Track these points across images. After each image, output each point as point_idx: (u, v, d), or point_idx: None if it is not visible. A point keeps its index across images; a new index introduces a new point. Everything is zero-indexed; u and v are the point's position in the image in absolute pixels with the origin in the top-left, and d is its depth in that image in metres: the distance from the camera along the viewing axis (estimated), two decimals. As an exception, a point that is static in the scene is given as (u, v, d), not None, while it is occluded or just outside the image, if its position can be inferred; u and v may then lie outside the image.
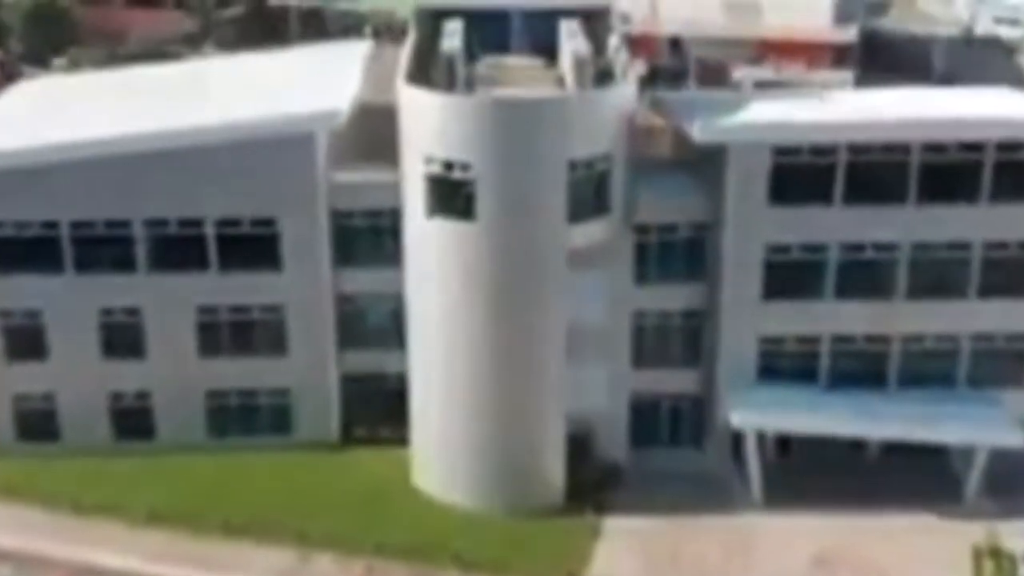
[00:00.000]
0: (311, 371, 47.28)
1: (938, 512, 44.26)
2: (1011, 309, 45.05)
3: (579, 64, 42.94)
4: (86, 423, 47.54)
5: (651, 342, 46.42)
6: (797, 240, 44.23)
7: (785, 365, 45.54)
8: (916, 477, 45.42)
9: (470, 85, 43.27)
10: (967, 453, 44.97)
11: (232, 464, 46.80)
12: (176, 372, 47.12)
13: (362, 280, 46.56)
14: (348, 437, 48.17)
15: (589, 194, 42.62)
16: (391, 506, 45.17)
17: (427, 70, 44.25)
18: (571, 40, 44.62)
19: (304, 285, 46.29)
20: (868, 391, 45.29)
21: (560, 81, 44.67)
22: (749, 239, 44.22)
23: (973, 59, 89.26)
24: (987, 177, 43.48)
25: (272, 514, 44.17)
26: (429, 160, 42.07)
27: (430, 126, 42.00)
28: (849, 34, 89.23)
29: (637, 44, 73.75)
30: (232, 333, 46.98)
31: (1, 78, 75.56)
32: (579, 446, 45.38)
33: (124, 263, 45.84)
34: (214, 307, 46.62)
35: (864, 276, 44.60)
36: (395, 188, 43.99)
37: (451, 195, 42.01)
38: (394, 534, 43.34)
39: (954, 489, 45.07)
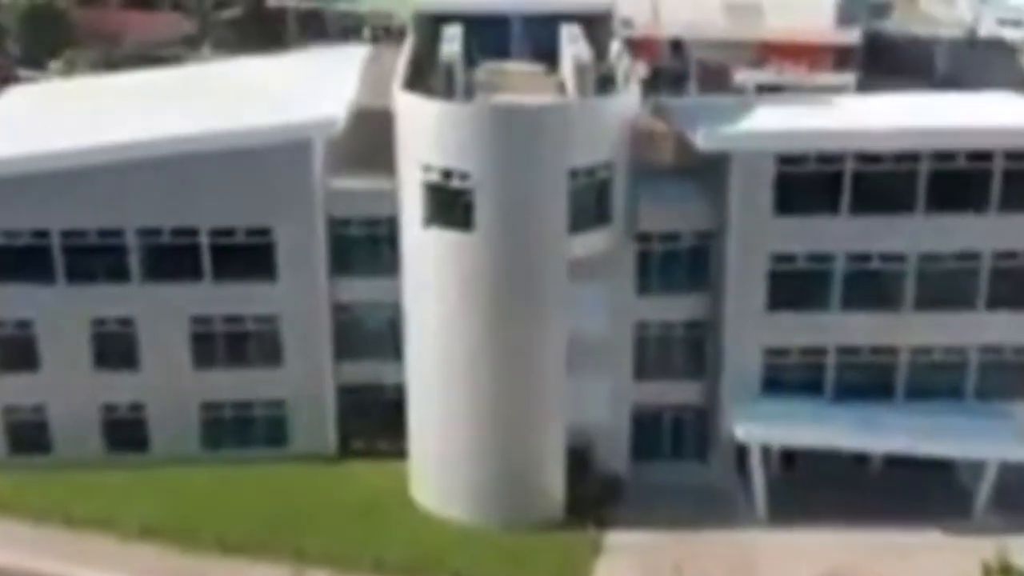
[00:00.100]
0: (307, 382, 46.67)
1: (946, 528, 43.63)
2: (1020, 321, 44.41)
3: (580, 70, 42.27)
4: (78, 435, 46.95)
5: (653, 353, 45.78)
6: (802, 250, 43.62)
7: (790, 377, 44.95)
8: (923, 491, 44.87)
9: (469, 91, 42.64)
10: (975, 467, 44.30)
11: (227, 477, 46.20)
12: (170, 383, 46.52)
13: (359, 289, 45.95)
14: (345, 449, 47.55)
15: (590, 203, 41.96)
16: (389, 520, 44.55)
17: (425, 76, 43.70)
18: (572, 45, 44.00)
19: (300, 295, 45.67)
20: (875, 404, 44.66)
21: (561, 87, 44.03)
22: (753, 249, 43.59)
23: (976, 61, 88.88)
24: (996, 186, 42.91)
25: (267, 528, 43.57)
26: (427, 168, 41.36)
27: (428, 134, 41.30)
28: (852, 36, 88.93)
29: (638, 46, 73.28)
30: (227, 344, 46.40)
31: (-3, 80, 74.81)
32: (580, 459, 44.80)
33: (117, 273, 45.28)
34: (208, 317, 46.03)
35: (871, 287, 44.00)
36: (393, 196, 43.33)
37: (449, 204, 41.32)
38: (392, 550, 42.67)
39: (962, 504, 44.41)
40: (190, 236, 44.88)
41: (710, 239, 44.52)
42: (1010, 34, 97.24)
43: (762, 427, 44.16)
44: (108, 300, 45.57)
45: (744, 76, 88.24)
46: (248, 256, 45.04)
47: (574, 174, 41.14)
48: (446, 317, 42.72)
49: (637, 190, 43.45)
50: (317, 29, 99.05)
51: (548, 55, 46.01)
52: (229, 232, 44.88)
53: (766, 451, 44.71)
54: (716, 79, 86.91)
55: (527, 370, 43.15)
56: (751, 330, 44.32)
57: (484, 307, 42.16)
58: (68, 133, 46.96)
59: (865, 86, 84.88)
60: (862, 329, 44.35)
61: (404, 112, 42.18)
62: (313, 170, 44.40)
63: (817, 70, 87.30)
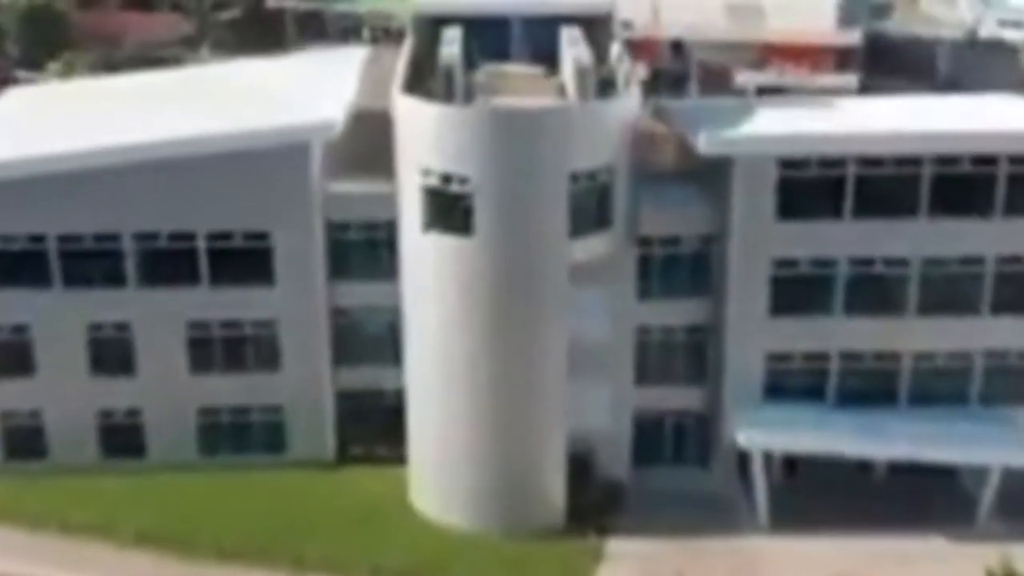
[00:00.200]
0: (305, 387, 46.31)
1: (950, 535, 43.29)
2: (1025, 325, 44.08)
3: (581, 73, 41.93)
4: (74, 441, 46.64)
5: (654, 359, 45.46)
6: (805, 254, 43.32)
7: (793, 383, 44.62)
8: (927, 498, 44.53)
9: (469, 94, 42.29)
10: (979, 473, 43.95)
11: (224, 483, 45.87)
12: (167, 389, 46.21)
13: (358, 294, 45.63)
14: (343, 455, 47.22)
15: (591, 207, 41.63)
16: (388, 527, 44.20)
17: (424, 79, 43.38)
18: (572, 48, 43.62)
19: (298, 299, 45.36)
20: (878, 410, 44.32)
21: (561, 90, 43.71)
22: (756, 253, 43.25)
23: (978, 62, 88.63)
24: (1000, 190, 42.58)
25: (265, 535, 43.24)
26: (426, 172, 41.00)
27: (427, 137, 40.95)
28: (853, 37, 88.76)
29: (639, 48, 73.04)
30: (224, 349, 46.07)
31: (-4, 82, 74.60)
32: (580, 466, 44.43)
33: (113, 277, 44.98)
34: (206, 322, 45.71)
35: (874, 292, 43.69)
36: (392, 199, 43.02)
37: (448, 209, 40.97)
38: (391, 557, 42.31)
39: (965, 510, 44.03)
40: (187, 240, 44.57)
41: (712, 243, 44.18)
42: (1011, 35, 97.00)
43: (764, 433, 43.82)
44: (105, 305, 45.24)
45: (745, 77, 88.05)
46: (246, 260, 44.70)
47: (575, 178, 40.79)
48: (446, 322, 42.37)
49: (638, 194, 43.10)
50: (316, 30, 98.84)
51: (548, 57, 45.70)
52: (227, 236, 44.55)
53: (768, 457, 44.35)
54: (717, 80, 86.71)
55: (527, 375, 42.79)
56: (753, 335, 43.97)
57: (484, 312, 41.80)
58: (65, 136, 46.62)
59: (867, 87, 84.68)
60: (865, 334, 44.03)
61: (403, 115, 41.85)
62: (311, 173, 44.10)
63: (818, 71, 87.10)
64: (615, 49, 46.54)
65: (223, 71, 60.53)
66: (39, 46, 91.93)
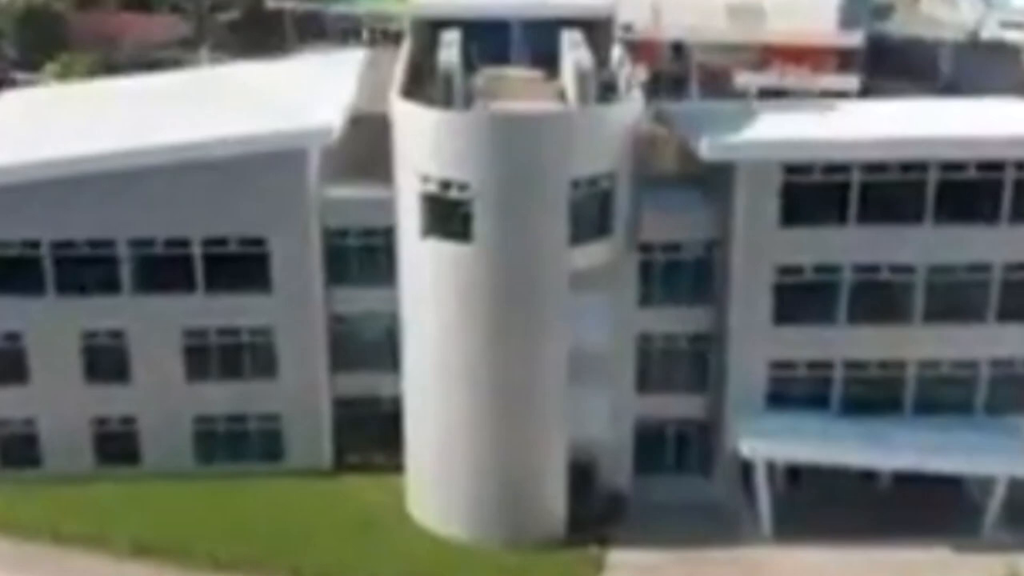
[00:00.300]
0: (302, 395, 45.90)
1: (955, 545, 42.81)
2: (1032, 333, 43.60)
3: (582, 77, 41.38)
4: (68, 449, 46.21)
5: (656, 366, 44.96)
6: (809, 261, 42.80)
7: (796, 391, 44.14)
8: (932, 508, 43.98)
9: (468, 98, 41.73)
10: (985, 482, 43.43)
11: (220, 492, 45.46)
12: (162, 397, 45.78)
13: (355, 300, 45.21)
14: (341, 464, 46.82)
15: (592, 214, 41.12)
16: (385, 537, 43.75)
17: (423, 83, 42.87)
18: (573, 51, 43.07)
19: (295, 306, 44.92)
20: (883, 419, 43.80)
21: (561, 94, 43.22)
22: (759, 260, 42.75)
23: (980, 64, 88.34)
24: (1007, 196, 42.10)
25: (262, 545, 42.82)
26: (425, 178, 40.48)
27: (425, 143, 40.45)
28: (855, 38, 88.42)
29: (639, 49, 72.58)
30: (220, 356, 45.63)
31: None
32: (581, 475, 43.89)
33: (108, 284, 44.55)
34: (201, 329, 45.28)
35: (879, 299, 43.20)
36: (390, 205, 42.55)
37: (447, 215, 40.47)
38: (388, 567, 41.92)
39: (971, 520, 43.55)
40: (183, 247, 44.15)
41: (714, 249, 43.72)
42: (1013, 36, 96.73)
43: (767, 443, 43.31)
44: (99, 312, 44.83)
45: (746, 79, 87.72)
46: (242, 267, 44.28)
47: (575, 184, 40.27)
48: (444, 329, 41.88)
49: (639, 199, 42.57)
50: (315, 32, 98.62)
51: (548, 60, 45.20)
52: (222, 242, 44.13)
53: (771, 466, 43.83)
54: (717, 82, 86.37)
55: (527, 383, 42.29)
56: (756, 343, 43.49)
57: (483, 319, 41.31)
58: (59, 141, 46.14)
59: (868, 89, 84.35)
60: (870, 342, 43.56)
61: (401, 120, 41.36)
62: (308, 179, 43.68)
63: (820, 73, 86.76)
64: (616, 52, 46.02)
65: (220, 74, 60.21)
66: (37, 47, 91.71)
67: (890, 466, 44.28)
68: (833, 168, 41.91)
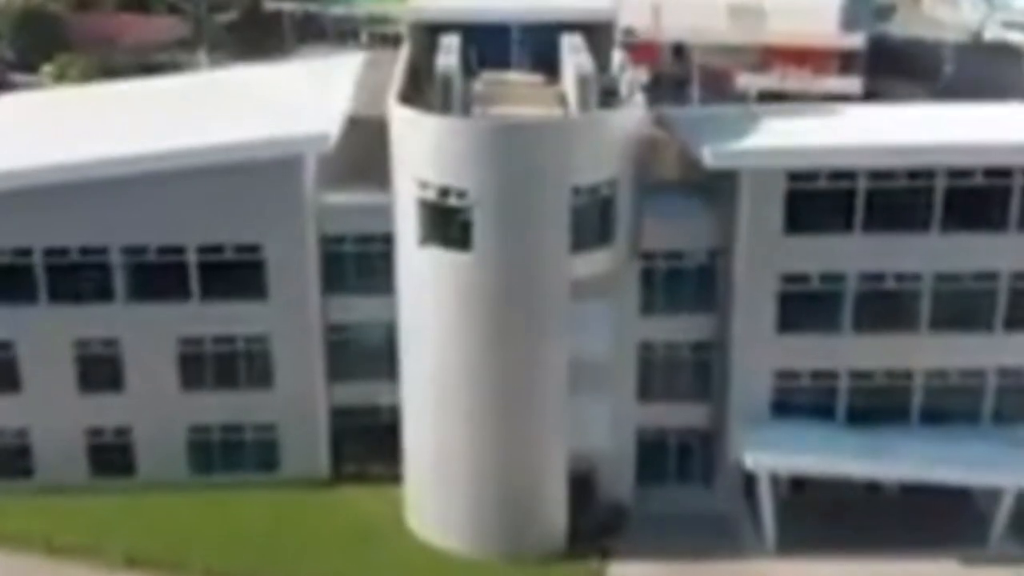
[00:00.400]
0: (299, 404, 45.40)
1: (962, 557, 42.31)
2: (1039, 342, 43.11)
3: (583, 82, 40.81)
4: (62, 460, 45.71)
5: (658, 375, 44.42)
6: (814, 269, 42.27)
7: (800, 401, 43.59)
8: (939, 519, 43.52)
9: (467, 103, 41.16)
10: (993, 493, 42.83)
11: (216, 503, 45.01)
12: (156, 406, 45.30)
13: (353, 308, 44.72)
14: (338, 474, 46.38)
15: (593, 222, 40.53)
16: (383, 549, 43.26)
17: (422, 88, 42.35)
18: (574, 55, 42.49)
19: (291, 314, 44.40)
20: (888, 429, 43.25)
21: (562, 99, 42.69)
22: (762, 268, 42.18)
23: (982, 65, 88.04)
24: (1015, 204, 41.55)
25: (258, 557, 42.40)
26: (423, 185, 39.87)
27: (424, 149, 39.86)
28: (856, 40, 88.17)
29: (639, 51, 72.15)
30: (215, 365, 45.16)
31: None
32: (582, 486, 43.45)
33: (101, 292, 44.07)
34: (196, 338, 44.79)
35: (884, 308, 42.64)
36: (387, 211, 41.99)
37: (446, 223, 39.91)
38: (386, 580, 41.44)
39: (978, 531, 43.03)
40: (177, 254, 43.63)
41: (717, 257, 43.19)
42: (1015, 37, 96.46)
43: (771, 453, 42.72)
44: (92, 320, 44.35)
45: (747, 81, 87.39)
46: (237, 274, 43.75)
47: (576, 191, 39.70)
48: (443, 337, 41.34)
49: (641, 206, 41.99)
50: (314, 33, 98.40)
51: (548, 65, 44.76)
52: (218, 249, 43.62)
53: (775, 477, 43.23)
54: (718, 84, 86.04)
55: (527, 393, 41.75)
56: (760, 352, 42.93)
57: (482, 328, 40.75)
58: (52, 147, 45.56)
59: (871, 91, 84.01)
60: (875, 351, 43.03)
61: (399, 126, 40.75)
62: (304, 186, 43.16)
63: (821, 75, 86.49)
64: (617, 57, 45.43)
65: (217, 78, 59.86)
66: (34, 49, 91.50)
67: (896, 477, 43.73)
68: (838, 175, 41.35)
